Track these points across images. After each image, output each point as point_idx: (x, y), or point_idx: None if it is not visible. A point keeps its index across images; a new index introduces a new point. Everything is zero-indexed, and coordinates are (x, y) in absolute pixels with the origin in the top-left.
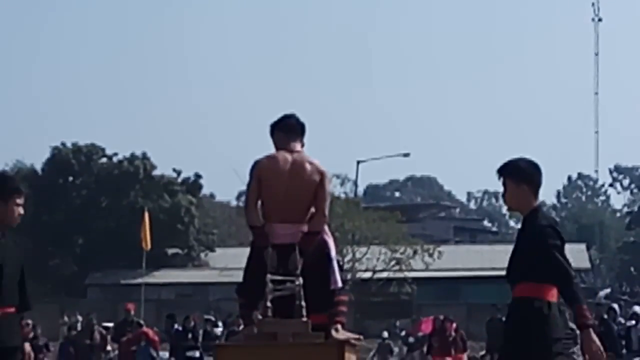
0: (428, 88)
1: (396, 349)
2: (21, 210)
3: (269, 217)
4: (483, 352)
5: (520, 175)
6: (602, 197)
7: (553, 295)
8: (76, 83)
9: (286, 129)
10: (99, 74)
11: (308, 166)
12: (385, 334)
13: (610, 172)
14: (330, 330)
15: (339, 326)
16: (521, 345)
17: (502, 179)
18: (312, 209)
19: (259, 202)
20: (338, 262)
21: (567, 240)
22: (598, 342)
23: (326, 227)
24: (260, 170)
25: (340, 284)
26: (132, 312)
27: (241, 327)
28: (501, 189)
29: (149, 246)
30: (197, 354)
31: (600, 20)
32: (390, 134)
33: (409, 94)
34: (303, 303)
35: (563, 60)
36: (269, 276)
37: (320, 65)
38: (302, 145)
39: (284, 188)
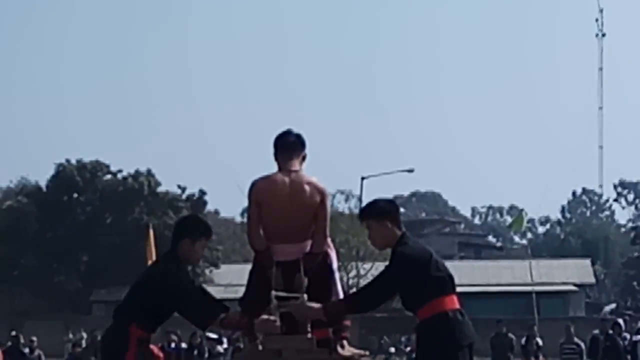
0: (432, 104)
1: None
2: (205, 251)
3: (270, 238)
4: None
5: (381, 212)
6: (607, 212)
7: (438, 307)
8: (80, 100)
9: (286, 147)
10: (104, 91)
11: (307, 187)
12: (393, 350)
13: (615, 187)
14: (335, 346)
15: (344, 342)
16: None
17: (364, 223)
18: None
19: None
20: (340, 278)
21: (571, 255)
22: (308, 312)
23: (329, 239)
24: (258, 193)
25: (341, 296)
26: None
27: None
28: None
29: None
30: None
31: (604, 35)
32: (394, 150)
33: (413, 110)
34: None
35: (567, 75)
36: (273, 292)
37: (324, 82)
38: (304, 159)
39: (284, 211)
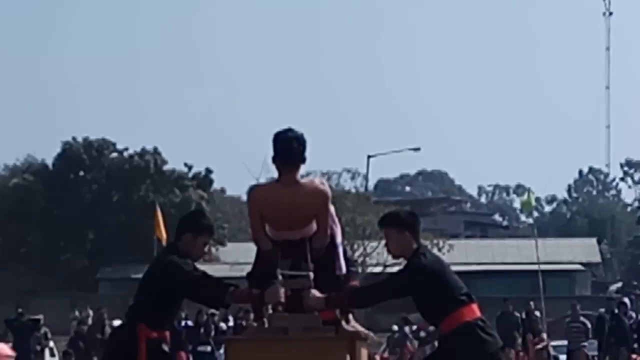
0: (439, 82)
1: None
2: (206, 249)
3: (273, 227)
4: None
5: (401, 223)
6: (613, 192)
7: (465, 316)
8: (87, 78)
9: (287, 157)
10: (110, 68)
11: (307, 199)
12: (395, 327)
13: (622, 166)
14: (340, 321)
15: (350, 316)
16: None
17: (383, 230)
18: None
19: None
20: (345, 250)
21: (577, 234)
22: (311, 302)
23: (333, 212)
24: (257, 204)
25: (344, 270)
26: None
27: (250, 321)
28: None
29: (165, 241)
30: (209, 348)
31: (611, 14)
32: (401, 128)
33: (420, 88)
34: None
35: (574, 54)
36: (279, 270)
37: (332, 60)
38: (304, 161)
39: (284, 220)
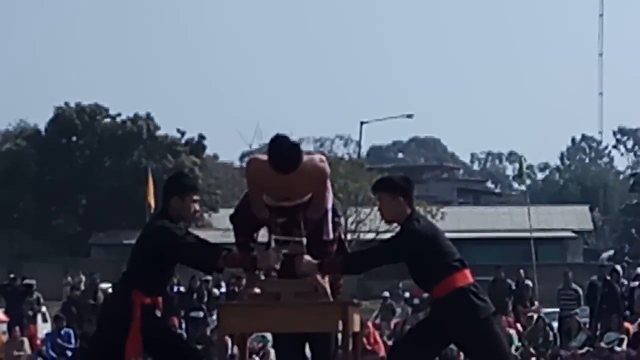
0: (433, 49)
1: (399, 310)
2: (197, 207)
3: (272, 200)
4: None
5: (395, 188)
6: (606, 159)
7: (458, 281)
8: (79, 42)
9: (278, 169)
10: (103, 33)
11: (305, 178)
12: (387, 294)
13: (614, 133)
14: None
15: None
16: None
17: (377, 195)
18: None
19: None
20: (335, 211)
21: (570, 201)
22: (304, 268)
23: (328, 181)
24: (254, 175)
25: (332, 236)
26: None
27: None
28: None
29: (153, 207)
30: (201, 314)
31: None
32: (394, 95)
33: (414, 55)
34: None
35: (567, 21)
36: (272, 236)
37: (325, 25)
38: (299, 166)
39: (281, 194)
